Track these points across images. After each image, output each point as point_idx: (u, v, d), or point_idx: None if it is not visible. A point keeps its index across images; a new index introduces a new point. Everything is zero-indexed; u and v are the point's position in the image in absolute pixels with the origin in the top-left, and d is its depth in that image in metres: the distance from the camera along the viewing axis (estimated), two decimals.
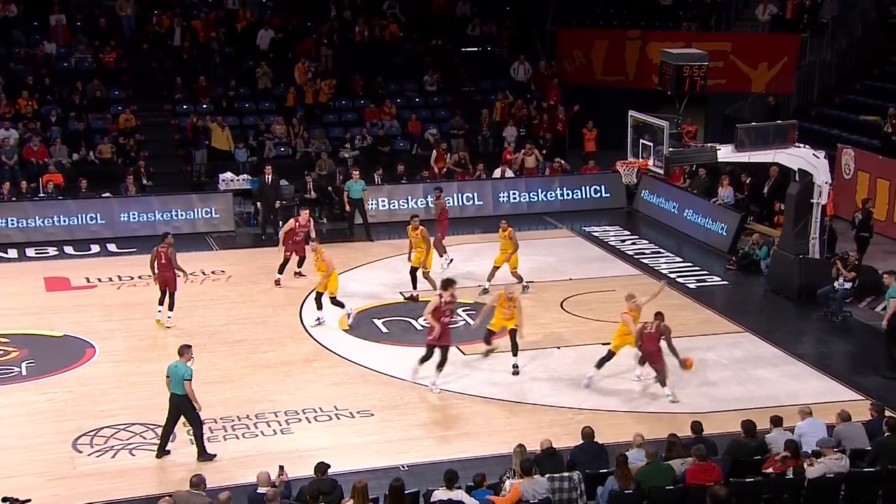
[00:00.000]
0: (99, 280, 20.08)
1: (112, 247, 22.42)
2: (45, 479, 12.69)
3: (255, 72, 28.15)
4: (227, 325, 17.83)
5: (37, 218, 22.70)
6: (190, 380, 13.02)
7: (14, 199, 23.20)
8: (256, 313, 18.41)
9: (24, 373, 15.80)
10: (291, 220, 19.91)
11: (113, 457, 13.35)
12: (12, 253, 21.77)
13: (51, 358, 16.36)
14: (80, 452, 13.43)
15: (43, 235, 22.55)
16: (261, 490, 11.02)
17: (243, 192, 24.38)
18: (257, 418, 14.38)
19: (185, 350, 13.36)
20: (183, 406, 13.10)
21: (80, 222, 22.86)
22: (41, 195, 23.60)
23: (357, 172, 23.25)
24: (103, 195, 23.63)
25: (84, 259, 21.65)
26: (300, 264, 19.89)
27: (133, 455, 13.41)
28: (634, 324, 15.16)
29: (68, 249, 22.17)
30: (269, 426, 14.20)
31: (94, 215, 23.03)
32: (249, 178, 24.68)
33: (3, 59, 26.70)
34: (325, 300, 17.60)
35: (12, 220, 22.53)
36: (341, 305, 17.70)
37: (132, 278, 20.02)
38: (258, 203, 23.38)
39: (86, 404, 14.78)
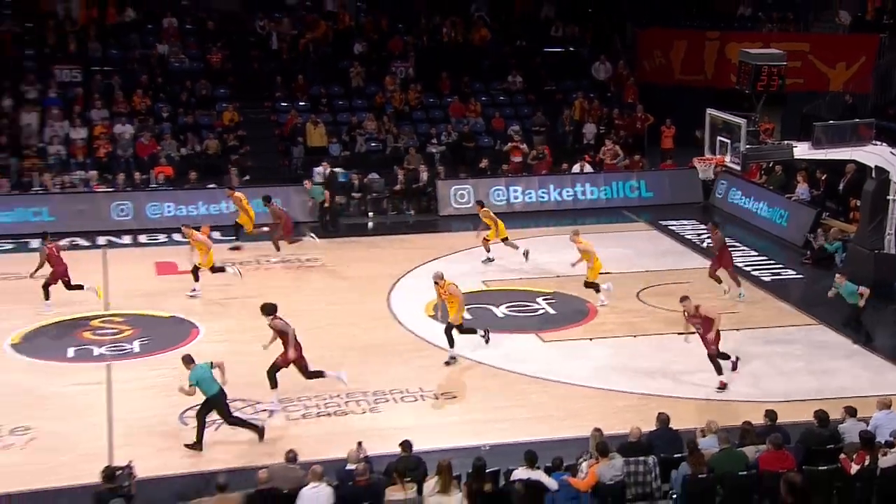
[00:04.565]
0: (199, 265, 20.41)
1: (216, 234, 22.77)
2: (154, 449, 12.96)
3: (349, 72, 28.37)
4: (322, 308, 17.95)
5: (148, 207, 23.27)
6: None
7: (128, 189, 23.80)
8: (347, 299, 18.55)
9: (136, 350, 16.19)
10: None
11: (216, 430, 13.58)
12: (126, 239, 22.34)
13: (160, 337, 16.72)
14: (186, 425, 13.67)
15: (154, 223, 23.10)
16: (350, 466, 11.09)
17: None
18: (348, 397, 14.48)
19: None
20: None
21: (187, 212, 23.36)
22: (152, 186, 24.19)
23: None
24: (209, 186, 24.10)
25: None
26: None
27: (233, 429, 13.50)
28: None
29: (176, 237, 22.65)
30: (359, 405, 14.30)
31: (200, 205, 23.52)
32: (342, 171, 24.94)
33: (121, 60, 27.37)
34: None
35: (127, 209, 23.12)
36: None
37: (233, 264, 20.34)
38: (351, 194, 23.63)
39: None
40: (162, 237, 22.54)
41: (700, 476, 10.89)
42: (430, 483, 10.57)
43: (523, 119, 28.27)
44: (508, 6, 31.68)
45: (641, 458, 11.16)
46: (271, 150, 26.83)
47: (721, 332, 14.77)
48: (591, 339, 16.64)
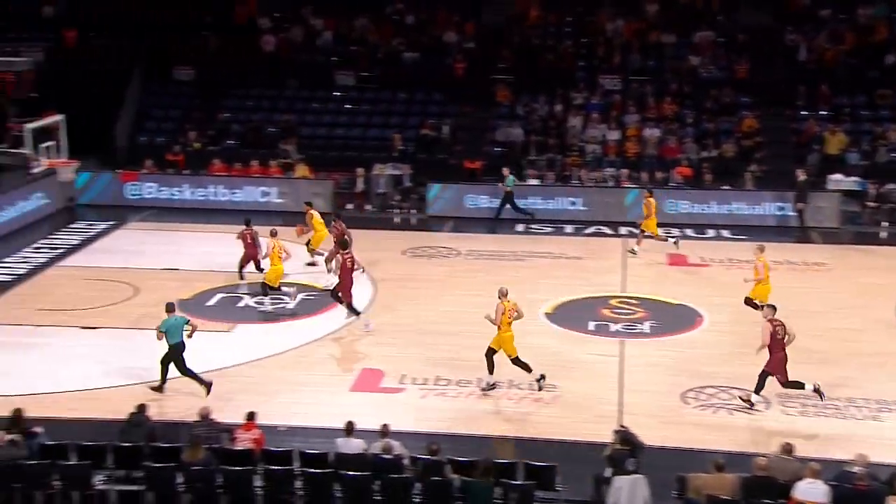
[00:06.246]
0: (712, 260, 20.22)
1: (726, 233, 22.46)
2: (656, 421, 13.03)
3: (878, 82, 25.96)
4: (827, 312, 16.84)
5: (666, 203, 23.44)
6: None
7: (650, 186, 24.12)
8: (852, 305, 17.08)
9: (646, 330, 16.48)
10: None
11: (714, 413, 13.37)
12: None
13: (668, 321, 16.83)
14: (687, 404, 13.63)
15: (670, 218, 23.24)
16: (854, 469, 10.22)
17: (851, 193, 22.83)
18: (848, 402, 13.40)
19: None
20: None
21: (700, 209, 23.23)
22: (671, 184, 24.45)
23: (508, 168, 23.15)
24: (722, 187, 23.74)
25: (700, 241, 21.96)
26: None
27: (731, 414, 13.29)
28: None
29: (689, 231, 22.66)
30: (860, 411, 13.17)
31: (711, 204, 23.27)
32: (859, 179, 23.04)
33: (656, 70, 27.88)
34: None
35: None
36: None
37: (740, 261, 19.80)
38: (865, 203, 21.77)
39: (693, 364, 14.94)
40: (675, 231, 22.64)
41: None
42: None
43: None
44: None
45: None
46: (786, 156, 25.61)
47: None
48: None
